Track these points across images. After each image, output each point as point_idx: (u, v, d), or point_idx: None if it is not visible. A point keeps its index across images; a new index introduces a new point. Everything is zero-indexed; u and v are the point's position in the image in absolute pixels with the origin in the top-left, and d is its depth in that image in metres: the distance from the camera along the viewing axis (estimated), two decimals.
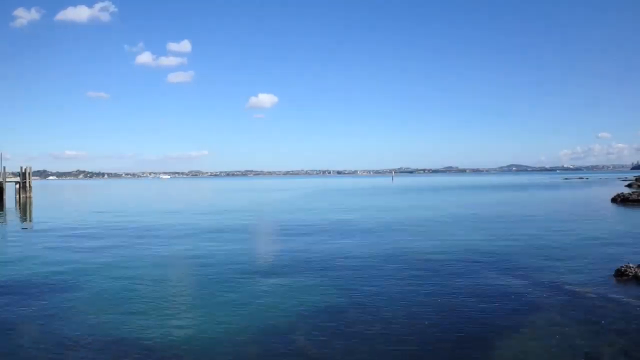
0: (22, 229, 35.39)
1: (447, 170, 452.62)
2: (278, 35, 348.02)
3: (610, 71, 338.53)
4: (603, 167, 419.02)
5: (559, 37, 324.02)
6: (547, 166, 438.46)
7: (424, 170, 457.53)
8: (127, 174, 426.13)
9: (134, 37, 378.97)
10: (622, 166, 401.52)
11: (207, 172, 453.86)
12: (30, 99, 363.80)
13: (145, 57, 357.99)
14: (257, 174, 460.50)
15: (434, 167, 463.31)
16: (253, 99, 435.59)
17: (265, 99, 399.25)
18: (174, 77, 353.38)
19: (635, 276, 14.39)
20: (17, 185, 67.97)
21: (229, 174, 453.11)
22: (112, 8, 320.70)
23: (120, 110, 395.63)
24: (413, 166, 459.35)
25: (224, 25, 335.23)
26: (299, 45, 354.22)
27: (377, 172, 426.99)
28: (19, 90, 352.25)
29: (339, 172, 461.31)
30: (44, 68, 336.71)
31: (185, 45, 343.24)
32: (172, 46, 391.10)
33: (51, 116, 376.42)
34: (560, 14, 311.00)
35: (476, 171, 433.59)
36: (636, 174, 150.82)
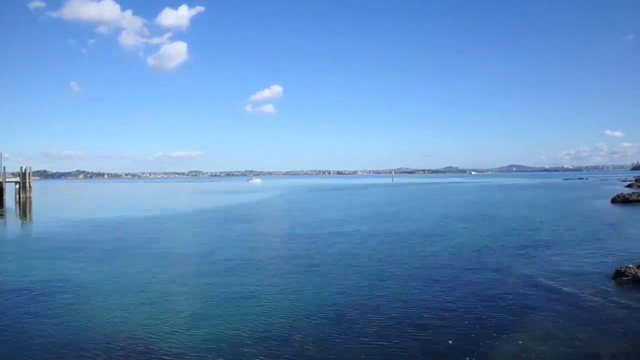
0: (22, 229, 35.41)
1: (447, 170, 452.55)
2: (280, 33, 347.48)
3: (612, 70, 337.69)
4: (603, 167, 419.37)
5: (560, 36, 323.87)
6: (548, 167, 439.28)
7: (424, 170, 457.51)
8: (126, 174, 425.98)
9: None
10: (623, 167, 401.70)
11: (207, 173, 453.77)
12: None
13: (132, 36, 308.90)
14: (257, 174, 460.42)
15: (434, 167, 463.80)
16: (253, 98, 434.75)
17: (266, 98, 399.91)
18: (169, 61, 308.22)
19: (634, 277, 14.40)
20: (17, 186, 68.00)
21: (229, 174, 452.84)
22: None
23: (115, 108, 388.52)
24: (413, 166, 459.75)
25: (225, 25, 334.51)
26: (301, 44, 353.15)
27: (377, 172, 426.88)
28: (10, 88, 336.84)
29: (338, 172, 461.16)
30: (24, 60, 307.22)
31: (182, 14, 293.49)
32: (167, 18, 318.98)
33: (44, 114, 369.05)
34: (562, 13, 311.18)
35: (476, 171, 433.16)
36: (636, 174, 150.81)
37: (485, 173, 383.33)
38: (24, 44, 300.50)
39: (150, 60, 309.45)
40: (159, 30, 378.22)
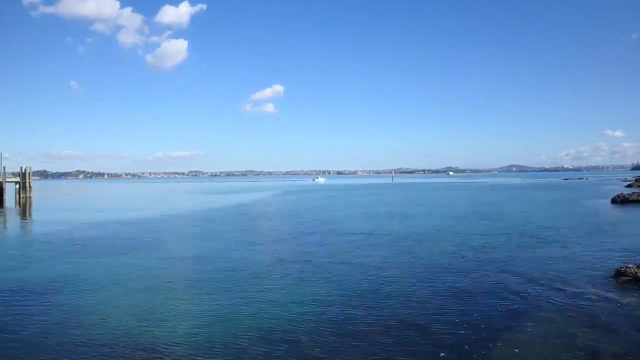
0: (22, 229, 35.41)
1: (447, 170, 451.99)
2: (280, 33, 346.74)
3: (612, 69, 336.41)
4: (603, 167, 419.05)
5: (560, 36, 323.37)
6: (548, 167, 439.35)
7: (424, 170, 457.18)
8: (126, 174, 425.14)
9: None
10: (622, 167, 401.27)
11: (207, 173, 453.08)
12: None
13: (132, 34, 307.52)
14: (257, 174, 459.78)
15: (434, 167, 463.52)
16: (254, 98, 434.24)
17: (266, 97, 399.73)
18: (169, 60, 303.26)
19: (634, 277, 14.40)
20: (17, 186, 68.00)
21: (229, 174, 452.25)
22: None
23: (115, 108, 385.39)
24: (413, 166, 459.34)
25: (225, 26, 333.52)
26: (302, 44, 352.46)
27: (377, 172, 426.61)
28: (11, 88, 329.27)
29: (338, 172, 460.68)
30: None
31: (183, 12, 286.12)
32: (167, 16, 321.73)
33: (44, 114, 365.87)
34: (562, 13, 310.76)
35: (476, 171, 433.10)
36: (636, 174, 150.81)
37: (464, 174, 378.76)
38: (20, 42, 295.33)
39: (150, 59, 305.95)
40: (159, 28, 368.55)
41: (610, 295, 13.02)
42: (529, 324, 10.79)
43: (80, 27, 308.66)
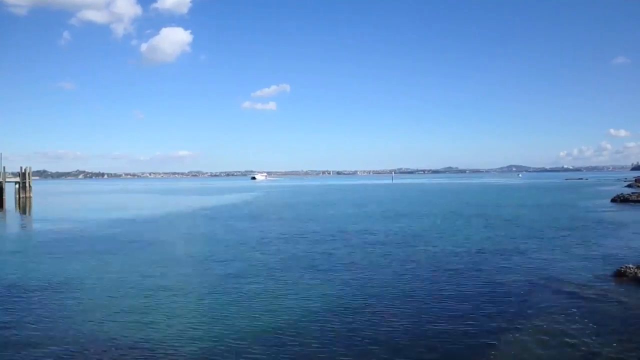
0: (22, 229, 35.38)
1: (447, 170, 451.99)
2: (281, 33, 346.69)
3: (614, 70, 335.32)
4: (603, 167, 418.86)
5: (561, 35, 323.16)
6: (547, 167, 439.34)
7: (423, 170, 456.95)
8: (126, 174, 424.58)
9: None
10: (623, 167, 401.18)
11: (207, 173, 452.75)
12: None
13: (129, 25, 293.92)
14: (257, 174, 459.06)
15: (434, 167, 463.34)
16: (254, 95, 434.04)
17: (267, 97, 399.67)
18: (169, 55, 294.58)
19: (634, 277, 14.39)
20: (17, 186, 67.94)
21: (229, 174, 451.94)
22: None
23: (115, 108, 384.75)
24: (413, 166, 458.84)
25: (226, 26, 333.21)
26: (302, 44, 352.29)
27: (377, 172, 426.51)
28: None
29: (338, 172, 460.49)
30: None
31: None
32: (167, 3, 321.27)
33: (43, 114, 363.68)
34: (562, 12, 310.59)
35: (476, 171, 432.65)
36: (636, 174, 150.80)
37: (465, 174, 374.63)
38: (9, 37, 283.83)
39: (150, 54, 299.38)
40: (159, 20, 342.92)
41: (610, 295, 13.00)
42: (529, 324, 10.75)
43: (69, 14, 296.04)
